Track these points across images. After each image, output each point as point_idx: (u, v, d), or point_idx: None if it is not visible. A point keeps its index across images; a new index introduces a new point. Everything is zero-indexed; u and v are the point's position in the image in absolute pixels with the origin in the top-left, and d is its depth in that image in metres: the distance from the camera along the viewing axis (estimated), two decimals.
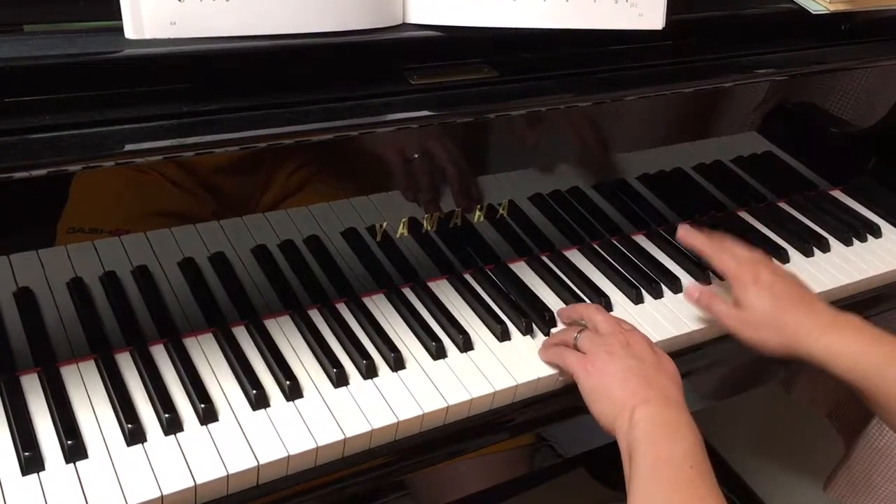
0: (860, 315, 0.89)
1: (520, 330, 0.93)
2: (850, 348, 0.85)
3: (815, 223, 1.20)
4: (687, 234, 0.99)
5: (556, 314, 0.96)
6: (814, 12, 1.05)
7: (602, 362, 0.82)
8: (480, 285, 0.99)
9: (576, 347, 0.87)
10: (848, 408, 1.51)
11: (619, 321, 0.89)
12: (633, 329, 0.88)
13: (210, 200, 0.81)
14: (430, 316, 0.93)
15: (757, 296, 0.90)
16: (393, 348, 0.87)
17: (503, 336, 0.92)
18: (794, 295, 0.91)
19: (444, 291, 0.97)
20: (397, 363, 0.86)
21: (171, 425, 0.76)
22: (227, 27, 0.74)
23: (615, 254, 1.08)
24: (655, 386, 0.80)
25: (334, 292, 0.93)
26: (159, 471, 0.72)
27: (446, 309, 0.94)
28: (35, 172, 0.68)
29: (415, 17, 0.85)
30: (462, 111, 0.87)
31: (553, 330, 0.94)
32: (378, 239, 0.93)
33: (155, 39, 0.72)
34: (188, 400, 0.79)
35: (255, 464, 0.74)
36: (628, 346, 0.84)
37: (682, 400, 0.80)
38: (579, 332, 0.87)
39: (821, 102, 1.20)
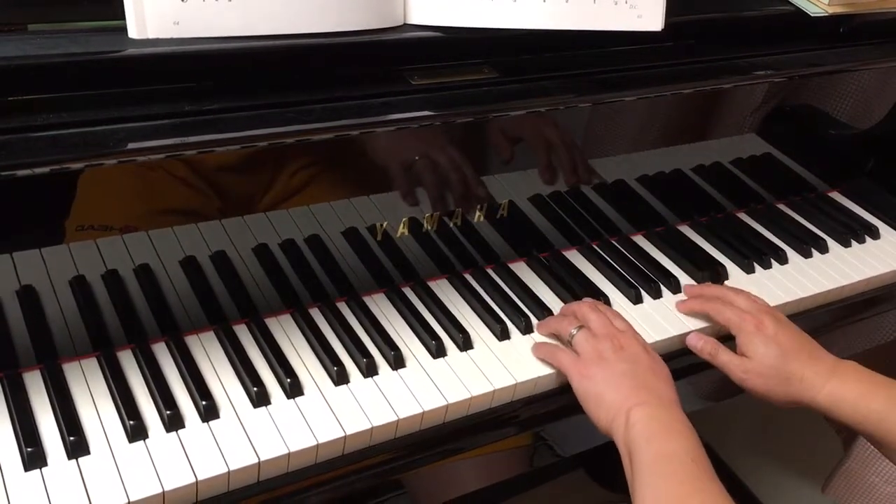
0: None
1: (519, 329, 0.94)
2: (851, 395, 0.85)
3: (813, 225, 1.21)
4: (686, 305, 0.99)
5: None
6: (812, 14, 1.05)
7: (596, 367, 0.83)
8: (480, 285, 0.99)
9: (570, 343, 0.87)
10: None
11: (613, 318, 0.89)
12: (627, 329, 0.89)
13: (215, 198, 0.81)
14: (430, 315, 0.94)
15: (764, 345, 0.88)
16: (393, 347, 0.87)
17: (503, 335, 0.92)
18: (797, 343, 0.89)
19: (444, 291, 0.98)
20: (397, 361, 0.87)
21: (173, 422, 0.76)
22: (230, 27, 0.75)
23: (614, 254, 1.08)
24: (649, 388, 0.81)
25: (335, 291, 0.93)
26: (161, 467, 0.72)
27: (446, 308, 0.95)
28: (38, 170, 0.68)
29: (416, 18, 0.85)
30: (462, 111, 0.88)
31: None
32: (378, 238, 0.93)
33: (158, 39, 0.72)
34: (189, 397, 0.79)
35: (256, 460, 0.74)
36: (621, 349, 0.84)
37: (676, 399, 0.81)
38: (577, 328, 0.88)
39: (819, 104, 1.20)
